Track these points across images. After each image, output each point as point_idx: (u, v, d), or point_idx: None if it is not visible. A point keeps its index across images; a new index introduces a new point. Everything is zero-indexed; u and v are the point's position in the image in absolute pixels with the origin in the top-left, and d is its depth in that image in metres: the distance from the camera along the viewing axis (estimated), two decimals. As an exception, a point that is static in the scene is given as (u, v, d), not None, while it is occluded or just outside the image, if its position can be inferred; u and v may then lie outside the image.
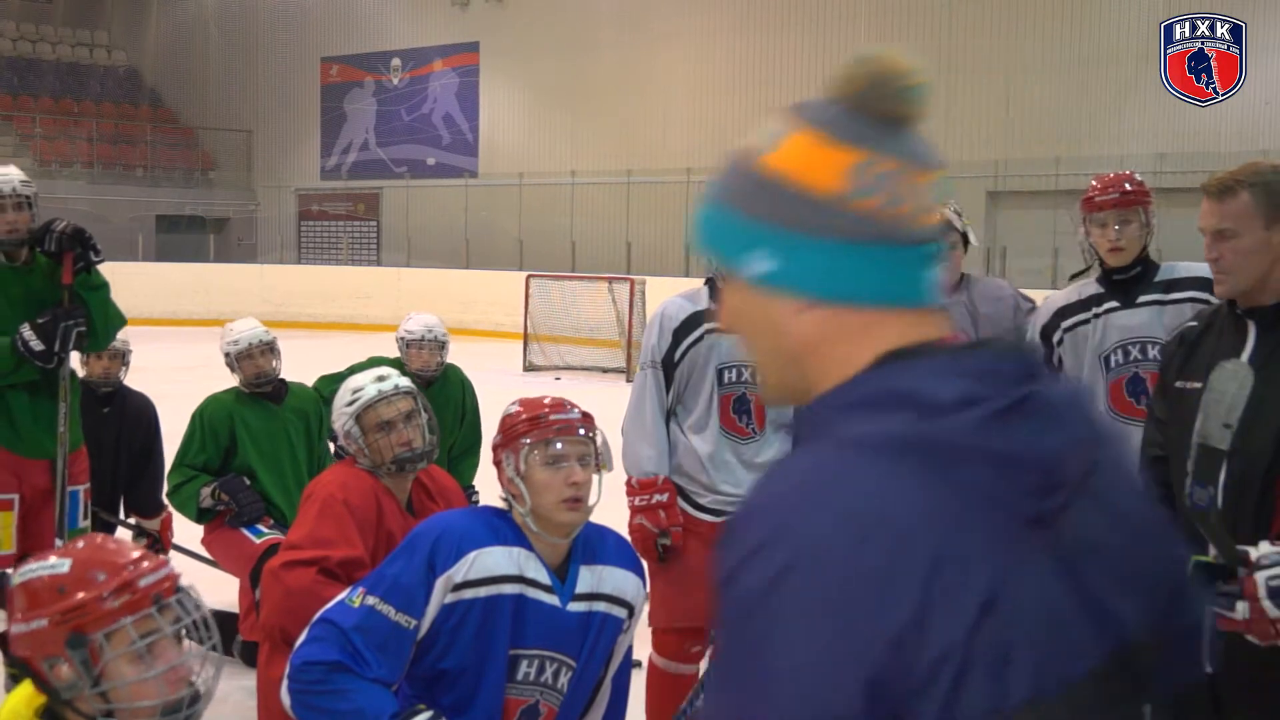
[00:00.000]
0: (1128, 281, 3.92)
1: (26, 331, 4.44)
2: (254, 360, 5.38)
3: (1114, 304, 3.93)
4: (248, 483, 5.27)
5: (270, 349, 5.43)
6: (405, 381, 3.86)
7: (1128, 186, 3.90)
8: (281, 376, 5.51)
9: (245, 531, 5.19)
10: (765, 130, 1.23)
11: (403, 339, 5.92)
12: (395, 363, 5.67)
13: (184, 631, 2.13)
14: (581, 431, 2.81)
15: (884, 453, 1.10)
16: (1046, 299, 4.16)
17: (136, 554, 2.14)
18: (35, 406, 4.60)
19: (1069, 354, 4.00)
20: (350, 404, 3.78)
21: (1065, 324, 4.01)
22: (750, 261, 1.20)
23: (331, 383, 5.91)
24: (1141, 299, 3.89)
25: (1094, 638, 1.12)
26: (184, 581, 2.21)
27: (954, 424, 1.10)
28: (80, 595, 2.04)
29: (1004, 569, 1.08)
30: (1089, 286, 4.02)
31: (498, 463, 2.84)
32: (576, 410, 2.88)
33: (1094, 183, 3.98)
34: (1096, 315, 3.95)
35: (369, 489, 3.66)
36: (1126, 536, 1.19)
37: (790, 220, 1.19)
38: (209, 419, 5.33)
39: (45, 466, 4.69)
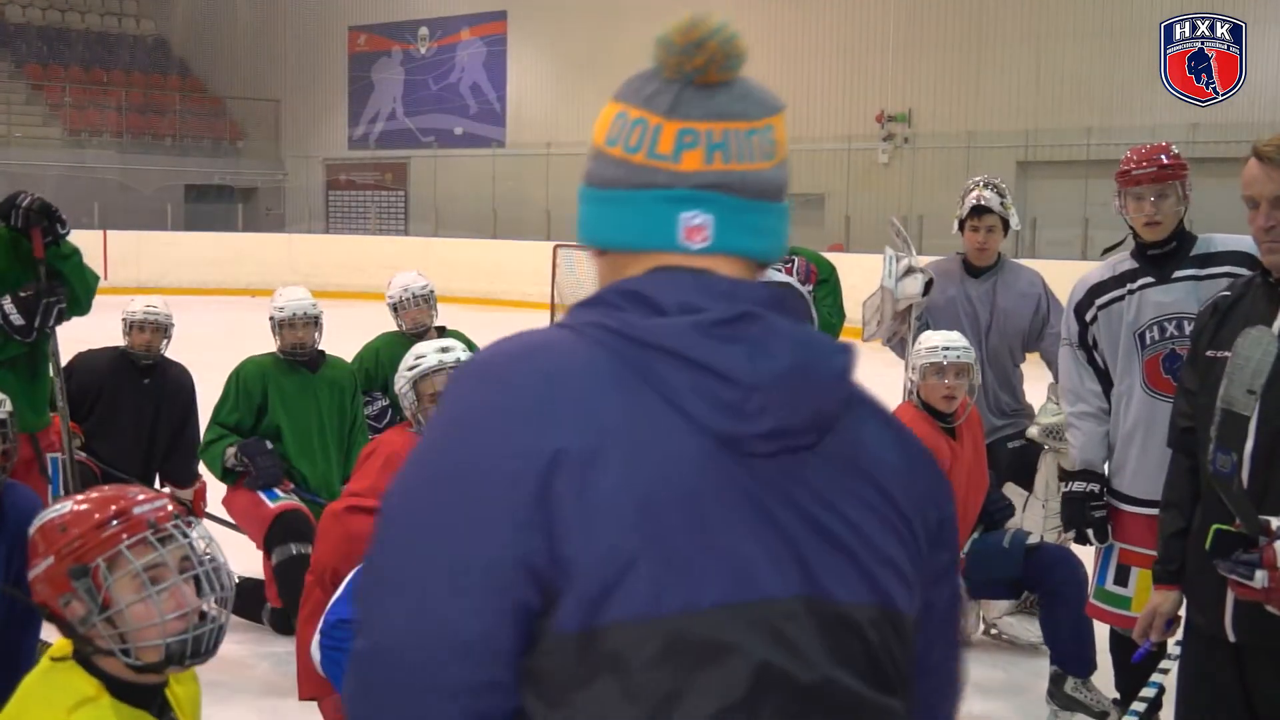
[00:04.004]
0: (1163, 256, 3.84)
1: (8, 304, 4.39)
2: (294, 330, 5.46)
3: (1149, 280, 3.85)
4: (269, 446, 5.32)
5: (313, 322, 5.51)
6: (468, 356, 3.89)
7: (1164, 160, 3.80)
8: (321, 349, 5.56)
9: (261, 495, 5.24)
10: None
11: (389, 304, 6.00)
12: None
13: (198, 580, 2.23)
14: None
15: (587, 334, 1.17)
16: (1081, 278, 4.10)
17: (135, 492, 2.28)
18: (19, 383, 4.54)
19: (1103, 331, 3.94)
20: (411, 369, 3.84)
21: (1099, 301, 3.94)
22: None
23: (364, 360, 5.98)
24: (1177, 274, 3.80)
25: (758, 579, 1.14)
26: (215, 550, 2.27)
27: (662, 324, 1.15)
28: (78, 528, 2.18)
29: (676, 474, 1.12)
30: (1123, 262, 3.94)
31: None
32: None
33: (1130, 155, 3.88)
34: (1131, 292, 3.87)
35: None
36: (844, 508, 1.19)
37: (584, 173, 1.28)
38: (244, 379, 5.41)
39: (25, 438, 4.68)
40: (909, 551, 1.23)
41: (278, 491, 5.27)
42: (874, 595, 1.19)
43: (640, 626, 1.10)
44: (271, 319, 5.51)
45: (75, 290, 4.56)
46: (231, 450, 5.29)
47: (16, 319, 4.39)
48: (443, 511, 1.13)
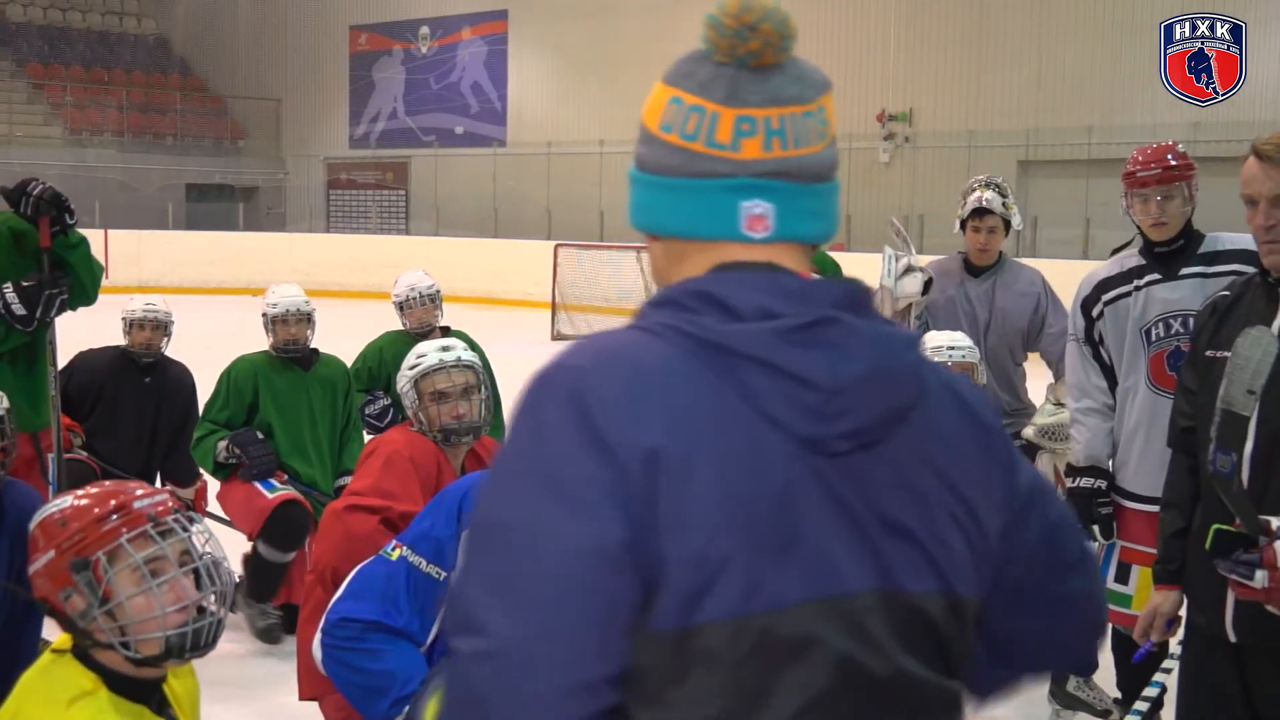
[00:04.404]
0: (1170, 254, 3.87)
1: (10, 294, 4.34)
2: (287, 326, 5.46)
3: (1155, 276, 3.87)
4: (261, 436, 5.32)
5: (305, 319, 5.50)
6: (469, 356, 3.90)
7: (1170, 161, 3.82)
8: (314, 347, 5.56)
9: (258, 485, 5.22)
10: None
11: (395, 303, 5.99)
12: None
13: (197, 575, 2.24)
14: None
15: (669, 339, 1.17)
16: (1088, 273, 4.11)
17: (134, 487, 2.30)
18: (17, 378, 4.51)
19: (1109, 327, 3.96)
20: (412, 368, 3.85)
21: (1106, 297, 3.96)
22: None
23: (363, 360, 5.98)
24: (1184, 271, 3.83)
25: (840, 574, 1.17)
26: (215, 546, 2.27)
27: (742, 331, 1.16)
28: (79, 522, 2.19)
29: (762, 475, 1.14)
30: (1130, 258, 3.97)
31: None
32: None
33: (1136, 156, 3.90)
34: (1138, 288, 3.90)
35: (432, 451, 3.75)
36: (911, 501, 1.22)
37: (635, 161, 1.28)
38: (235, 377, 5.41)
39: (26, 438, 4.67)
40: (971, 536, 1.27)
41: (274, 483, 5.26)
42: (941, 583, 1.23)
43: (732, 624, 1.12)
44: (264, 315, 5.51)
45: (82, 280, 4.54)
46: (223, 444, 5.28)
47: (18, 308, 4.35)
48: (553, 507, 1.13)
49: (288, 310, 5.46)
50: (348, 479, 5.42)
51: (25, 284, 4.36)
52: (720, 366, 1.15)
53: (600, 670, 1.12)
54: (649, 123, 1.26)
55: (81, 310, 4.65)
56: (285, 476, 5.32)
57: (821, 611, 1.16)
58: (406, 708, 2.57)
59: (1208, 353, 2.81)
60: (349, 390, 5.62)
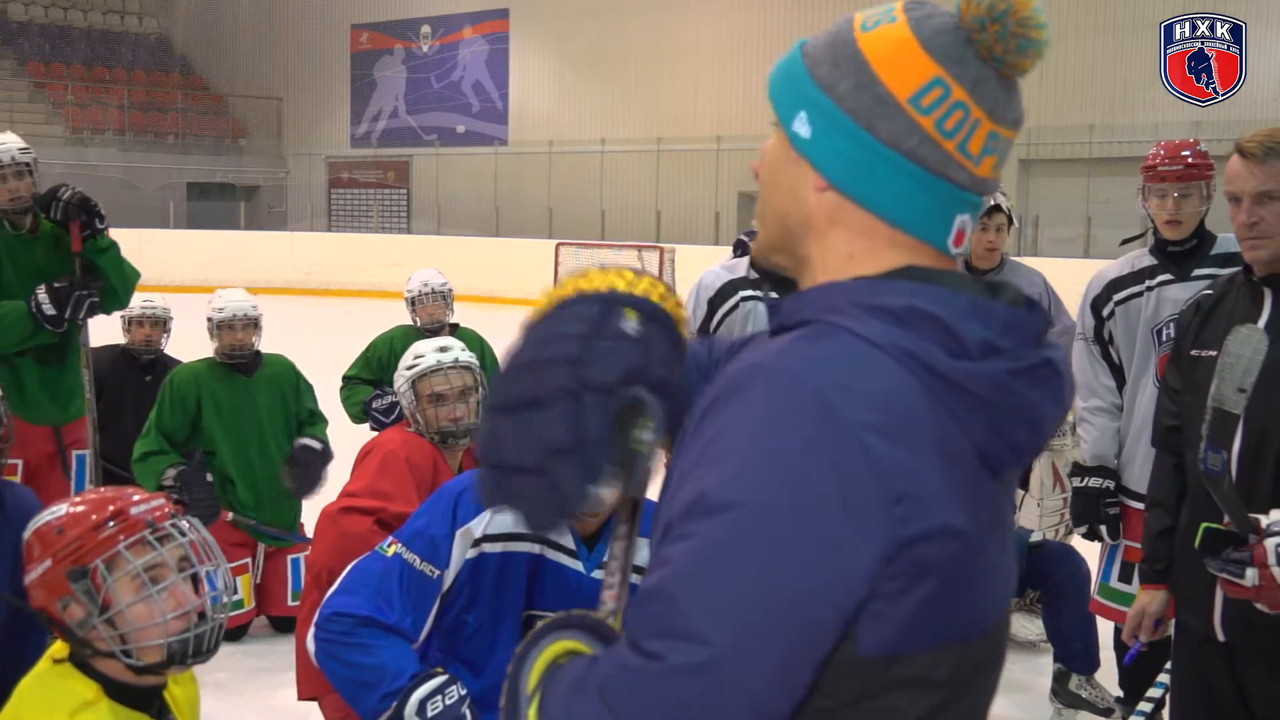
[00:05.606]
0: (1183, 254, 3.84)
1: (42, 294, 4.45)
2: (234, 332, 5.29)
3: (1167, 276, 3.85)
4: (209, 480, 5.13)
5: (253, 324, 5.35)
6: (467, 356, 3.88)
7: (1190, 159, 3.79)
8: (258, 350, 5.41)
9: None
10: (879, 10, 1.21)
11: (406, 298, 5.98)
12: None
13: (195, 579, 2.23)
14: None
15: (909, 366, 1.13)
16: (1098, 272, 4.09)
17: (131, 492, 2.27)
18: (43, 374, 4.59)
19: (1120, 327, 3.94)
20: (410, 368, 3.85)
21: (1117, 297, 3.94)
22: (795, 120, 1.22)
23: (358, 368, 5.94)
24: (1196, 272, 3.79)
25: (1001, 597, 1.23)
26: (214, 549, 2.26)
27: (977, 370, 1.14)
28: (76, 530, 2.16)
29: (974, 507, 1.15)
30: (1142, 258, 3.94)
31: None
32: None
33: (1158, 149, 3.88)
34: (1149, 288, 3.87)
35: (429, 452, 3.76)
36: (1010, 515, 1.29)
37: (845, 99, 1.18)
38: (177, 386, 5.22)
39: (48, 433, 4.70)
40: None
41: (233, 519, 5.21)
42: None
43: (934, 654, 1.14)
44: (209, 320, 5.33)
45: (113, 283, 4.63)
46: (172, 472, 5.07)
47: (48, 308, 4.46)
48: (817, 548, 1.08)
49: (234, 315, 5.28)
50: (310, 439, 5.27)
51: (57, 285, 4.46)
52: (947, 398, 1.13)
53: (801, 693, 1.11)
54: (897, 88, 1.16)
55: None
56: (230, 515, 5.17)
57: (996, 637, 1.22)
58: (395, 702, 2.57)
59: (1193, 351, 2.81)
60: (298, 386, 5.44)
